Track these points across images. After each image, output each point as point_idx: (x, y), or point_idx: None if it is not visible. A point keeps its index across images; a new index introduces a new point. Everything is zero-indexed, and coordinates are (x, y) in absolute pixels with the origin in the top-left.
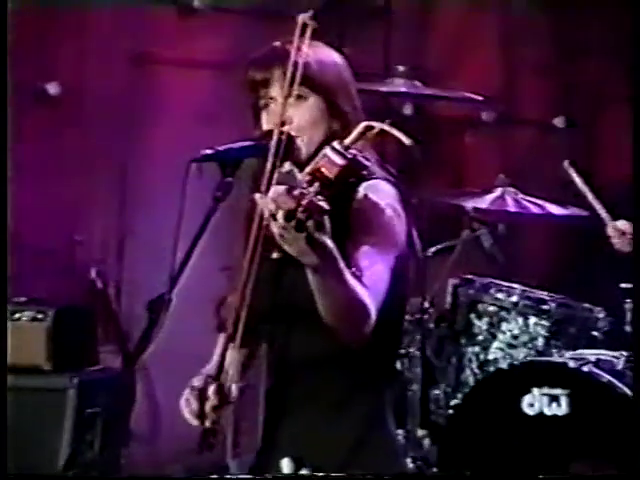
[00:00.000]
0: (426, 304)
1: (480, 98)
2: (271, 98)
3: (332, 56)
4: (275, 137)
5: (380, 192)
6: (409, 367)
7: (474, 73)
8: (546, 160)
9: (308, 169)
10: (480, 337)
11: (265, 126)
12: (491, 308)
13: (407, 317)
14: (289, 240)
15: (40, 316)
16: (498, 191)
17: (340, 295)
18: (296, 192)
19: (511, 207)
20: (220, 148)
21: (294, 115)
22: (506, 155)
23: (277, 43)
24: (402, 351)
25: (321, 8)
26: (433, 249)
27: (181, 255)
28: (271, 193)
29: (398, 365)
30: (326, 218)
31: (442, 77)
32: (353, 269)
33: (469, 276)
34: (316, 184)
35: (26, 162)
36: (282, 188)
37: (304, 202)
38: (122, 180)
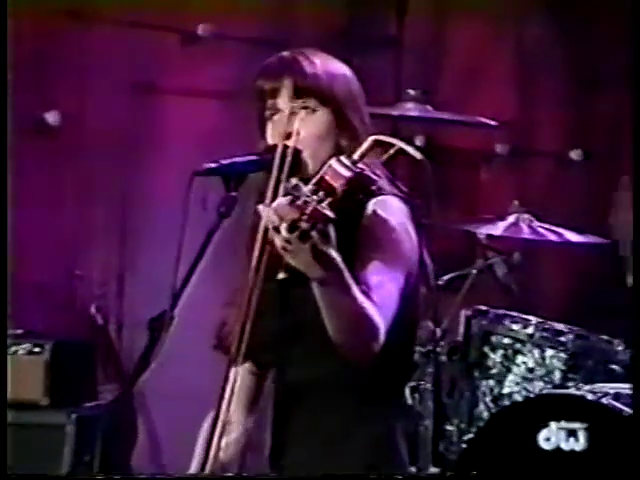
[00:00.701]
0: (437, 335)
1: (494, 123)
2: (278, 109)
3: (342, 68)
4: (280, 150)
5: (390, 209)
6: (420, 401)
7: (487, 104)
8: (563, 194)
9: (313, 180)
10: (494, 370)
11: (270, 138)
12: (506, 340)
13: (417, 349)
14: (293, 252)
15: (37, 349)
16: (512, 218)
17: (347, 309)
18: (299, 202)
19: (526, 234)
20: (224, 161)
21: (301, 128)
22: (521, 189)
23: (286, 52)
24: (412, 384)
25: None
26: (445, 278)
27: (183, 272)
28: (274, 205)
29: (409, 400)
30: (331, 229)
31: (454, 107)
32: (362, 287)
33: (482, 307)
34: (320, 193)
35: (24, 194)
36: (285, 199)
37: (307, 210)
38: (123, 213)
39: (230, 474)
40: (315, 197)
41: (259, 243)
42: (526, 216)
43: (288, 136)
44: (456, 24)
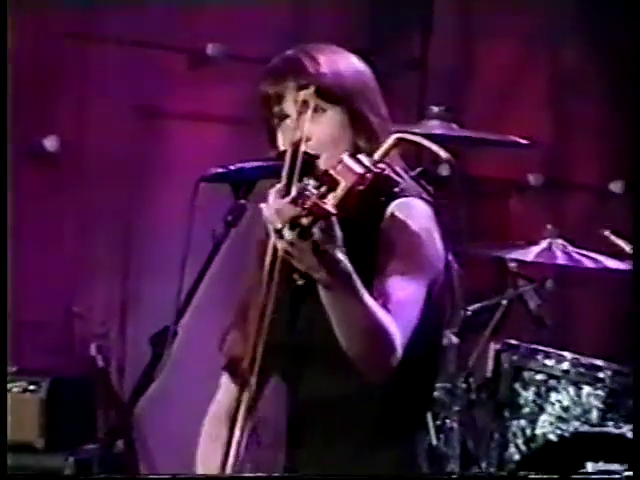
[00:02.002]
0: (464, 371)
1: (526, 142)
2: (286, 114)
3: (352, 63)
4: (289, 155)
5: (413, 212)
6: (446, 442)
7: (518, 129)
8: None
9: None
10: (526, 409)
11: (282, 146)
12: (538, 376)
13: (443, 385)
14: (298, 255)
15: (33, 387)
16: (545, 243)
17: (357, 318)
18: (300, 199)
19: (560, 260)
20: (232, 167)
21: (312, 131)
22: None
23: (290, 52)
24: (438, 423)
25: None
26: (472, 308)
27: (188, 285)
28: (273, 204)
29: (433, 440)
30: (337, 228)
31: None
32: (380, 298)
33: (513, 341)
34: (322, 188)
35: (19, 225)
36: (285, 199)
37: (307, 205)
38: (125, 245)
39: (230, 474)
40: (315, 192)
41: (270, 253)
42: (560, 241)
43: (299, 140)
44: (484, 44)
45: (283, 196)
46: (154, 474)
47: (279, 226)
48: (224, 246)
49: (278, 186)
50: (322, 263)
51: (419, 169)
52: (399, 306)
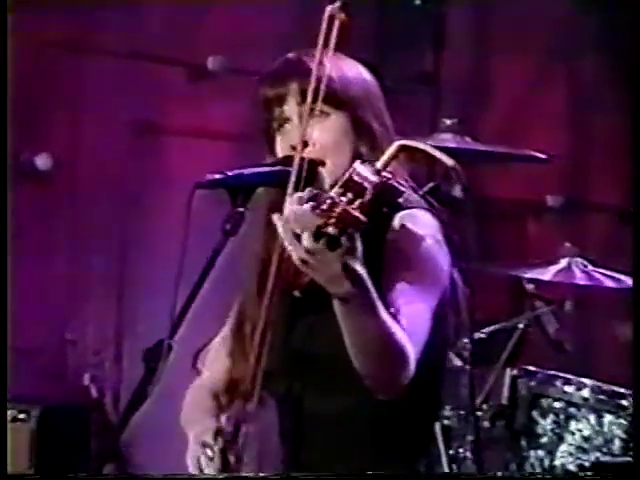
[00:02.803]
0: (479, 398)
1: (543, 156)
2: (286, 118)
3: (356, 67)
4: (296, 161)
5: (419, 222)
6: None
7: (535, 146)
8: (624, 249)
9: (339, 183)
10: (544, 439)
11: (280, 152)
12: (557, 404)
13: (456, 412)
14: (316, 265)
15: (22, 416)
16: (564, 262)
17: (373, 332)
18: (324, 206)
19: (580, 279)
20: (230, 173)
21: (315, 136)
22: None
23: (291, 54)
24: (450, 452)
25: None
26: (487, 331)
27: (184, 297)
28: (292, 212)
29: (445, 469)
30: (358, 238)
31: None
32: (390, 310)
33: (530, 367)
34: (349, 194)
35: (11, 246)
36: (306, 206)
37: (335, 213)
38: (121, 270)
39: (230, 474)
40: (344, 198)
41: (274, 263)
42: (579, 260)
43: (302, 145)
44: (498, 58)
45: (304, 203)
46: (153, 474)
47: (298, 231)
48: (221, 256)
49: (299, 193)
50: (345, 275)
51: (431, 184)
52: (412, 321)
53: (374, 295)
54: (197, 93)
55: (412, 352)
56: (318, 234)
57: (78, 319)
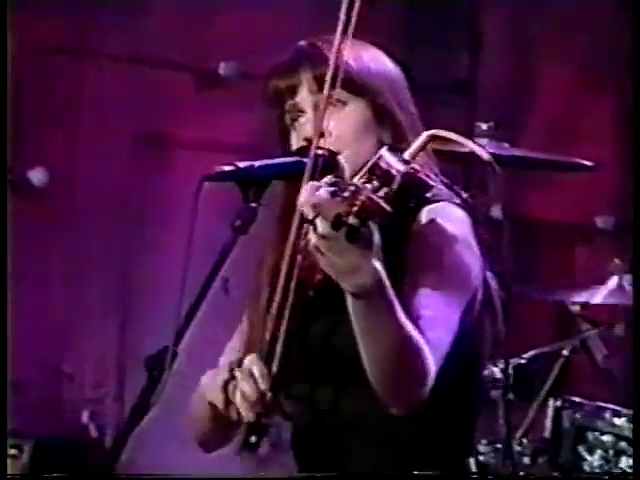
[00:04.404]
0: (518, 431)
1: (590, 163)
2: (300, 110)
3: (375, 53)
4: (312, 153)
5: (448, 218)
6: None
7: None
8: None
9: (363, 169)
10: (592, 476)
11: (295, 146)
12: (606, 438)
13: (492, 445)
14: (330, 253)
15: (14, 451)
16: (613, 280)
17: (388, 333)
18: (347, 193)
19: (631, 299)
20: (241, 165)
21: (331, 126)
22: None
23: (301, 42)
24: None
25: None
26: (527, 356)
27: (190, 299)
28: (310, 197)
29: None
30: (377, 232)
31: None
32: (411, 314)
33: (575, 397)
34: (374, 182)
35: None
36: (324, 190)
37: (359, 200)
38: (122, 295)
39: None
40: (369, 185)
41: (287, 260)
42: (630, 277)
43: (319, 135)
44: (541, 64)
45: (319, 189)
46: (154, 474)
47: (311, 217)
48: (231, 256)
49: (313, 182)
50: (361, 269)
51: (465, 195)
52: (432, 327)
53: (391, 293)
54: (208, 102)
55: (431, 362)
56: (337, 223)
57: (76, 350)
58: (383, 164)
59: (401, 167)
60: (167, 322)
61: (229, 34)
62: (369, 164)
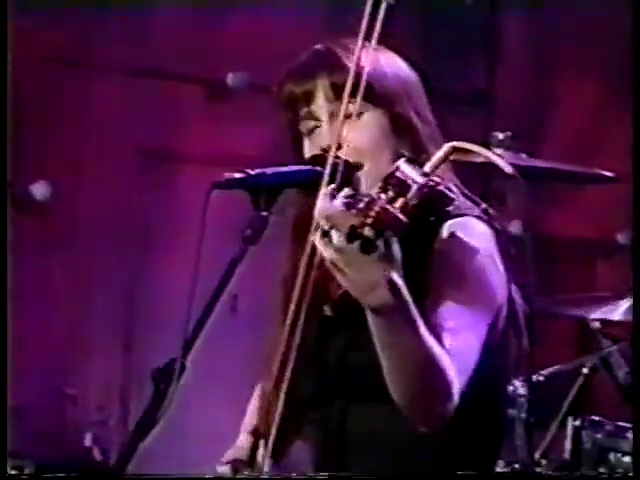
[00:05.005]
0: (537, 451)
1: (612, 175)
2: (315, 118)
3: (392, 59)
4: (330, 162)
5: (471, 232)
6: None
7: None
8: None
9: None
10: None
11: (308, 154)
12: (628, 459)
13: (509, 466)
14: (347, 269)
15: (14, 472)
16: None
17: (410, 351)
18: (361, 204)
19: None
20: (252, 172)
21: (347, 137)
22: None
23: (319, 45)
24: None
25: None
26: (546, 373)
27: (199, 311)
28: (325, 209)
29: None
30: (397, 244)
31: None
32: (434, 331)
33: (596, 417)
34: (389, 193)
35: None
36: (339, 201)
37: (373, 212)
38: (128, 313)
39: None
40: (384, 196)
41: (302, 273)
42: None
43: (336, 146)
44: (559, 75)
45: (334, 200)
46: (153, 474)
47: (326, 228)
48: (241, 266)
49: (328, 188)
50: (380, 284)
51: (483, 206)
52: (457, 344)
53: (413, 309)
54: (216, 114)
55: (457, 381)
56: (352, 235)
57: (79, 371)
58: (399, 174)
59: (420, 179)
60: (173, 342)
61: (237, 44)
62: (385, 175)
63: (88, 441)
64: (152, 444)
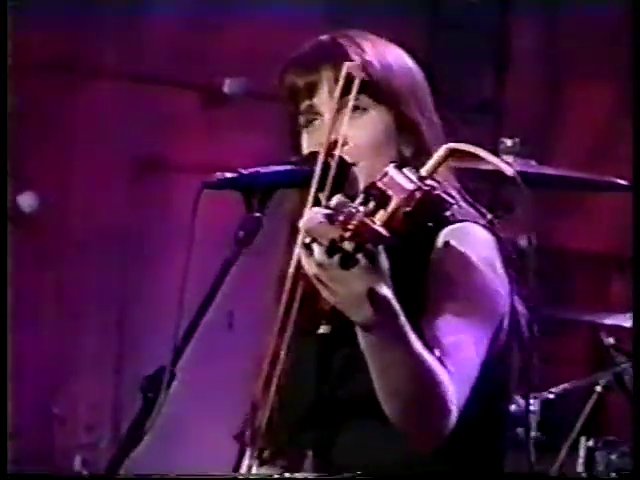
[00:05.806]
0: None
1: (627, 183)
2: (316, 112)
3: (400, 56)
4: (321, 161)
5: (471, 239)
6: None
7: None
8: None
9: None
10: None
11: (306, 150)
12: None
13: None
14: (330, 284)
15: None
16: None
17: (404, 368)
18: (342, 216)
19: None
20: (244, 172)
21: (349, 133)
22: None
23: (325, 36)
24: None
25: None
26: (557, 391)
27: (189, 316)
28: (307, 221)
29: None
30: (382, 255)
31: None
32: (430, 347)
33: (610, 437)
34: (370, 204)
35: None
36: (320, 214)
37: (352, 224)
38: (119, 331)
39: (230, 474)
40: (362, 208)
41: (289, 281)
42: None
43: (332, 145)
44: (569, 82)
45: (318, 212)
46: (153, 474)
47: (307, 241)
48: (234, 269)
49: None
50: (365, 298)
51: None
52: (457, 358)
53: (403, 323)
54: (212, 121)
55: (454, 395)
56: (332, 249)
57: (68, 391)
58: (380, 184)
59: (409, 186)
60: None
61: (234, 50)
62: (368, 183)
63: (77, 465)
64: (141, 457)
